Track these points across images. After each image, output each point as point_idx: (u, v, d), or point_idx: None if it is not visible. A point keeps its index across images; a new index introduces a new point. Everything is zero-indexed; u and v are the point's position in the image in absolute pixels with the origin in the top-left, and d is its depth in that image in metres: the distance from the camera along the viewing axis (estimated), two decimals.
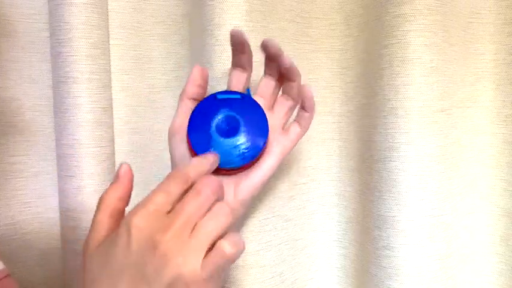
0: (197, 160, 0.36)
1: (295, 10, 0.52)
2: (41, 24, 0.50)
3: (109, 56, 0.50)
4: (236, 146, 0.40)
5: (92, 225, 0.33)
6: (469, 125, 0.53)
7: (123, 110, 0.53)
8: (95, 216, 0.33)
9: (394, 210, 0.48)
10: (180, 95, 0.42)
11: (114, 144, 0.51)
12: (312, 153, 0.55)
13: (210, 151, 0.40)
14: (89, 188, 0.47)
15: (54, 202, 0.51)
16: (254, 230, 0.49)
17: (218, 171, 0.40)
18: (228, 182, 0.41)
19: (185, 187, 0.33)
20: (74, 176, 0.47)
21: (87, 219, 0.47)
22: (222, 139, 0.40)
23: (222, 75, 0.46)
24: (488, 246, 0.55)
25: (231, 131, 0.41)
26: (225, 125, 0.41)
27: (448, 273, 0.49)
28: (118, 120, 0.52)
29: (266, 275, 0.50)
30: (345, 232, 0.56)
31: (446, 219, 0.49)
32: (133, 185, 0.35)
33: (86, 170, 0.47)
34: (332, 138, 0.56)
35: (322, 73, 0.55)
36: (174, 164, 0.42)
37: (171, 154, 0.42)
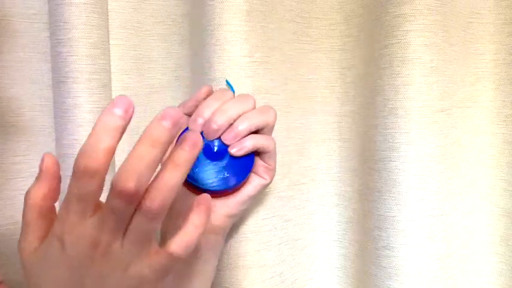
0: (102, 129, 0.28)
1: (295, 10, 0.52)
2: (41, 24, 0.50)
3: (109, 56, 0.50)
4: (221, 170, 0.40)
5: (22, 227, 0.31)
6: (469, 125, 0.53)
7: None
8: (23, 217, 0.31)
9: (394, 210, 0.48)
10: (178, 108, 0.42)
11: None
12: (312, 153, 0.55)
13: (194, 171, 0.40)
14: None
15: None
16: (254, 230, 0.49)
17: (198, 193, 0.40)
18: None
19: (96, 180, 0.28)
20: None
21: None
22: (207, 161, 0.40)
23: (222, 76, 0.46)
24: (488, 246, 0.55)
25: (217, 154, 0.40)
26: (212, 148, 0.40)
27: (448, 273, 0.49)
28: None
29: (266, 275, 0.50)
30: (345, 232, 0.56)
31: (446, 219, 0.49)
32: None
33: None
34: (332, 138, 0.56)
35: (322, 73, 0.55)
36: None
37: None
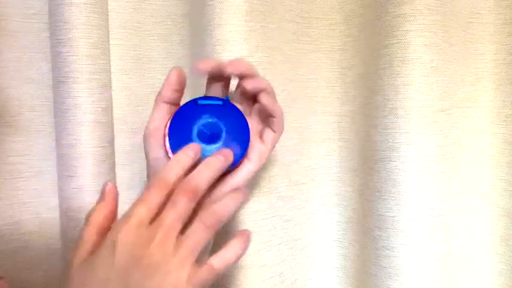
0: (174, 161, 0.36)
1: (295, 10, 0.52)
2: (41, 24, 0.50)
3: (109, 56, 0.50)
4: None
5: (78, 242, 0.34)
6: (469, 125, 0.53)
7: (123, 110, 0.53)
8: (81, 233, 0.34)
9: (394, 210, 0.48)
10: (156, 98, 0.41)
11: (114, 144, 0.51)
12: (312, 153, 0.55)
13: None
14: (88, 188, 0.47)
15: (54, 202, 0.51)
16: (254, 230, 0.49)
17: None
18: None
19: (165, 193, 0.34)
20: (74, 176, 0.47)
21: None
22: (203, 145, 0.40)
23: None
24: (488, 246, 0.55)
25: (212, 137, 0.40)
26: (206, 131, 0.40)
27: (448, 273, 0.49)
28: (118, 120, 0.52)
29: (266, 275, 0.50)
30: (345, 232, 0.56)
31: (446, 219, 0.49)
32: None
33: (86, 170, 0.46)
34: (332, 138, 0.56)
35: (322, 73, 0.55)
36: (149, 167, 0.42)
37: (146, 157, 0.42)
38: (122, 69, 0.52)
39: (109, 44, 0.50)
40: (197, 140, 0.40)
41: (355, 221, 0.54)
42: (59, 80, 0.47)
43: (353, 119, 0.54)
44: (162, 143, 0.40)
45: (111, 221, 0.35)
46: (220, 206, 0.34)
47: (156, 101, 0.41)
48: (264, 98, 0.40)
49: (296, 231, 0.54)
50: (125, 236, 0.31)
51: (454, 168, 0.50)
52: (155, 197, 0.33)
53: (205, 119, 0.41)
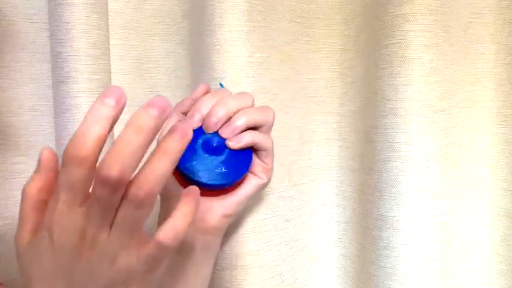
0: (86, 121, 0.27)
1: (295, 10, 0.52)
2: (41, 24, 0.50)
3: (109, 56, 0.50)
4: (219, 165, 0.40)
5: (19, 219, 0.31)
6: (469, 125, 0.53)
7: (123, 110, 0.53)
8: (20, 209, 0.31)
9: (394, 210, 0.48)
10: (176, 107, 0.42)
11: None
12: (312, 153, 0.55)
13: (191, 164, 0.40)
14: None
15: None
16: (254, 230, 0.49)
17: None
18: (213, 197, 0.41)
19: (85, 167, 0.27)
20: None
21: None
22: (206, 155, 0.40)
23: (222, 76, 0.46)
24: (488, 246, 0.55)
25: (216, 149, 0.41)
26: (211, 143, 0.41)
27: (448, 273, 0.49)
28: (118, 120, 0.52)
29: (266, 275, 0.50)
30: (345, 232, 0.56)
31: (446, 219, 0.49)
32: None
33: None
34: (332, 138, 0.56)
35: (322, 73, 0.55)
36: None
37: None
38: (122, 69, 0.52)
39: (109, 44, 0.50)
40: (200, 149, 0.40)
41: (355, 221, 0.54)
42: (59, 80, 0.47)
43: (353, 119, 0.54)
44: None
45: (49, 193, 0.30)
46: (145, 176, 0.28)
47: (175, 110, 0.42)
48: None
49: (296, 231, 0.54)
50: (58, 223, 0.28)
51: (454, 168, 0.50)
52: (75, 176, 0.27)
53: (211, 132, 0.41)
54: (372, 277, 0.50)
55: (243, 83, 0.46)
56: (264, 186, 0.44)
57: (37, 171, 0.31)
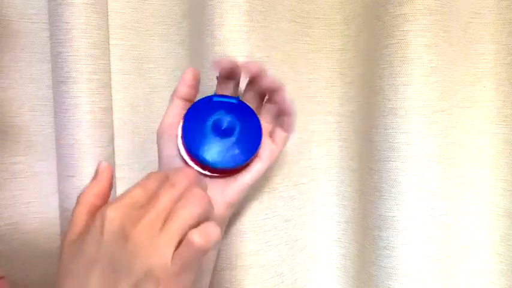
0: (185, 173, 0.34)
1: (295, 10, 0.52)
2: (41, 24, 0.50)
3: (109, 56, 0.50)
4: (230, 147, 0.40)
5: (69, 221, 0.33)
6: (469, 125, 0.53)
7: (123, 110, 0.53)
8: (73, 212, 0.33)
9: (394, 210, 0.48)
10: (172, 95, 0.42)
11: (114, 144, 0.51)
12: (312, 153, 0.55)
13: (203, 149, 0.40)
14: None
15: (54, 202, 0.51)
16: (254, 230, 0.49)
17: (209, 171, 0.41)
18: (216, 185, 0.41)
19: (164, 183, 0.33)
20: (74, 176, 0.47)
21: None
22: (217, 139, 0.40)
23: None
24: (488, 246, 0.55)
25: (226, 132, 0.41)
26: (220, 126, 0.41)
27: (448, 273, 0.49)
28: (118, 120, 0.52)
29: (266, 275, 0.50)
30: (345, 232, 0.56)
31: (446, 219, 0.49)
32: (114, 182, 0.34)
33: (86, 170, 0.47)
34: (332, 138, 0.56)
35: (322, 73, 0.55)
36: (161, 164, 0.42)
37: (159, 154, 0.42)
38: (122, 69, 0.52)
39: (109, 44, 0.50)
40: (211, 133, 0.40)
41: (355, 221, 0.54)
42: (59, 80, 0.47)
43: (353, 119, 0.54)
44: (178, 138, 0.41)
45: (104, 200, 0.34)
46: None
47: (171, 97, 0.42)
48: (279, 97, 0.41)
49: (296, 231, 0.54)
50: (113, 213, 0.30)
51: (454, 168, 0.50)
52: (153, 184, 0.33)
53: (220, 115, 0.41)
54: (372, 277, 0.50)
55: (243, 83, 0.46)
56: (266, 170, 0.43)
57: (94, 179, 0.34)
